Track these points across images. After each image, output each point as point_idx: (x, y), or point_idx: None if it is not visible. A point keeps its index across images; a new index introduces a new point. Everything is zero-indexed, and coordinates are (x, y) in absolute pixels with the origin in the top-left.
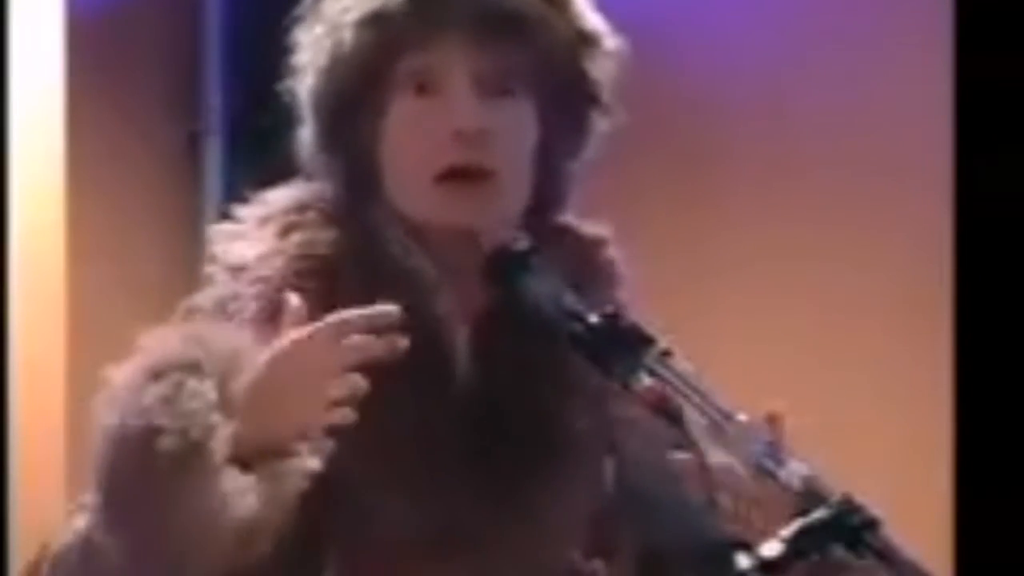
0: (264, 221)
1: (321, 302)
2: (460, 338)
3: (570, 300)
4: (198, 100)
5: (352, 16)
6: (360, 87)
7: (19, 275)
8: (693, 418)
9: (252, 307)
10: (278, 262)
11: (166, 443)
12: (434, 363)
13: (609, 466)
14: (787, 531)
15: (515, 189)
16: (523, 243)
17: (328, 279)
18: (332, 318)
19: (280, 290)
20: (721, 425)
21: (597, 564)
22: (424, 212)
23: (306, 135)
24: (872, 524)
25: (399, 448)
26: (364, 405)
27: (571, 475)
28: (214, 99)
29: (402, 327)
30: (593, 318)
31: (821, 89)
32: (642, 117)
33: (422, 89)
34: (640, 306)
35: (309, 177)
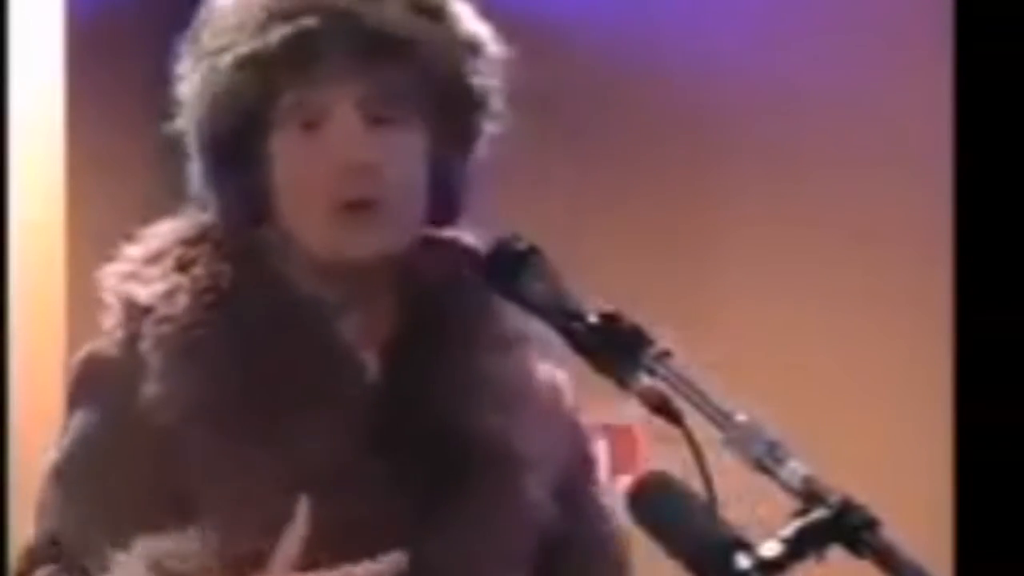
0: (155, 257)
1: (226, 337)
2: (368, 362)
3: (570, 300)
4: None
5: (227, 60)
6: (241, 126)
7: (19, 275)
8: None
9: (160, 351)
10: (182, 299)
11: None
12: (342, 391)
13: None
14: (787, 531)
15: (407, 216)
16: (523, 243)
17: (232, 313)
18: None
19: (188, 328)
20: (721, 425)
21: None
22: (320, 245)
23: (194, 169)
24: (872, 524)
25: (316, 477)
26: (274, 437)
27: (492, 487)
28: None
29: (307, 356)
30: (593, 318)
31: (823, 89)
32: (646, 117)
33: (308, 125)
34: (644, 306)
35: (201, 208)
